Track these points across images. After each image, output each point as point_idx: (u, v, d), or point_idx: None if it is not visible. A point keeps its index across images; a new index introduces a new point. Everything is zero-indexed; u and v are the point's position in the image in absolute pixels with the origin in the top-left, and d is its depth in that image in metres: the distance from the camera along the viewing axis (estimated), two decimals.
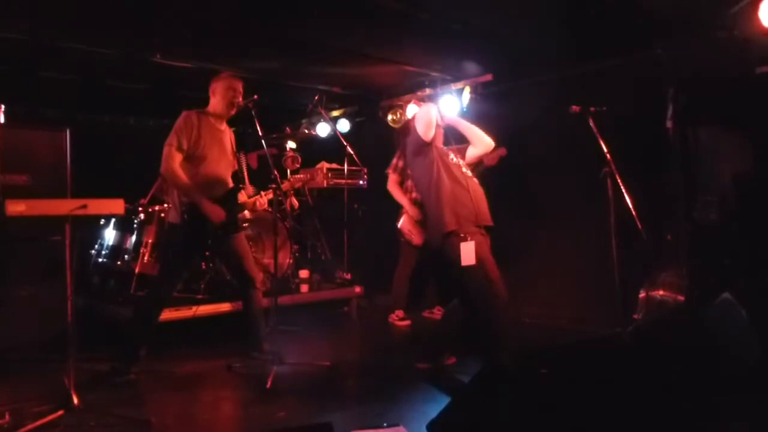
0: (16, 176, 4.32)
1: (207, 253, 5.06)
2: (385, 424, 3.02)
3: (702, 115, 4.50)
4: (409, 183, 5.39)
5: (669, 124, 4.47)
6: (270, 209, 4.59)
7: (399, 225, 5.49)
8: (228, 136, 4.19)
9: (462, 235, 3.55)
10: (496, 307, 3.57)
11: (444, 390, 3.69)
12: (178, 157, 3.86)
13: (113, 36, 4.86)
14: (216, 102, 4.06)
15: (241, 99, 4.04)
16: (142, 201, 5.45)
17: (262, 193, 4.36)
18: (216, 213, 3.89)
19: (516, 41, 5.03)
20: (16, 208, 2.93)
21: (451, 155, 3.86)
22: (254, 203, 4.29)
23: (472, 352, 4.02)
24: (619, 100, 4.24)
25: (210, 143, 3.98)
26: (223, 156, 4.09)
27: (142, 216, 5.27)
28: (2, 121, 4.37)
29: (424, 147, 3.74)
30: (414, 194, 5.30)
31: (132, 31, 4.75)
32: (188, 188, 3.86)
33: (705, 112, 4.47)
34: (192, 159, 3.92)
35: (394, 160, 5.49)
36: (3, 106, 4.36)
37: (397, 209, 5.56)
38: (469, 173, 3.82)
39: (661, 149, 4.55)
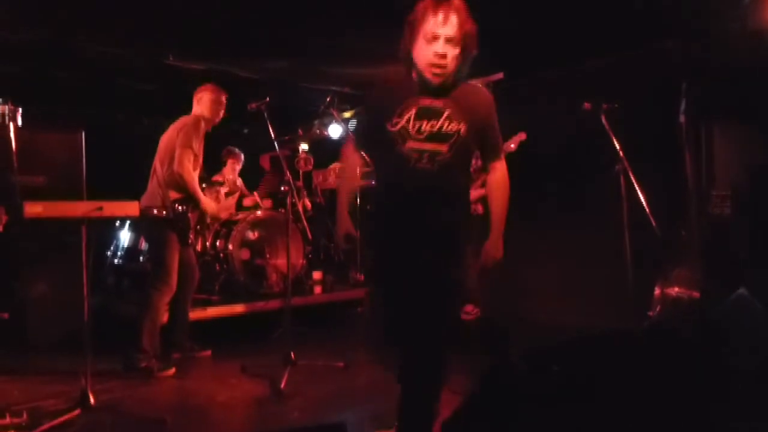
0: (33, 177, 4.41)
1: (222, 256, 5.11)
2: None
3: (715, 109, 4.45)
4: None
5: (682, 118, 4.42)
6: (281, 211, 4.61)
7: None
8: None
9: None
10: None
11: (457, 389, 3.68)
12: (192, 159, 4.10)
13: (127, 37, 4.91)
14: (203, 110, 4.29)
15: (223, 113, 4.38)
16: None
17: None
18: (212, 207, 4.36)
19: (526, 37, 5.00)
20: (34, 209, 2.99)
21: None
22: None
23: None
24: (631, 94, 4.21)
25: (201, 147, 4.24)
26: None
27: None
28: (20, 123, 4.42)
29: None
30: None
31: (145, 32, 4.79)
32: (196, 188, 4.14)
33: (718, 105, 4.42)
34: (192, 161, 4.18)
35: None
36: (20, 109, 4.42)
37: None
38: None
39: (675, 144, 4.51)
